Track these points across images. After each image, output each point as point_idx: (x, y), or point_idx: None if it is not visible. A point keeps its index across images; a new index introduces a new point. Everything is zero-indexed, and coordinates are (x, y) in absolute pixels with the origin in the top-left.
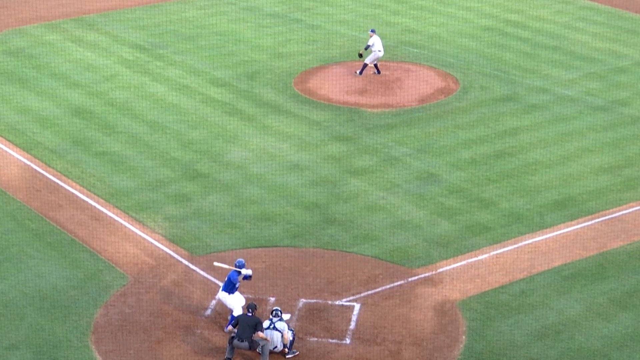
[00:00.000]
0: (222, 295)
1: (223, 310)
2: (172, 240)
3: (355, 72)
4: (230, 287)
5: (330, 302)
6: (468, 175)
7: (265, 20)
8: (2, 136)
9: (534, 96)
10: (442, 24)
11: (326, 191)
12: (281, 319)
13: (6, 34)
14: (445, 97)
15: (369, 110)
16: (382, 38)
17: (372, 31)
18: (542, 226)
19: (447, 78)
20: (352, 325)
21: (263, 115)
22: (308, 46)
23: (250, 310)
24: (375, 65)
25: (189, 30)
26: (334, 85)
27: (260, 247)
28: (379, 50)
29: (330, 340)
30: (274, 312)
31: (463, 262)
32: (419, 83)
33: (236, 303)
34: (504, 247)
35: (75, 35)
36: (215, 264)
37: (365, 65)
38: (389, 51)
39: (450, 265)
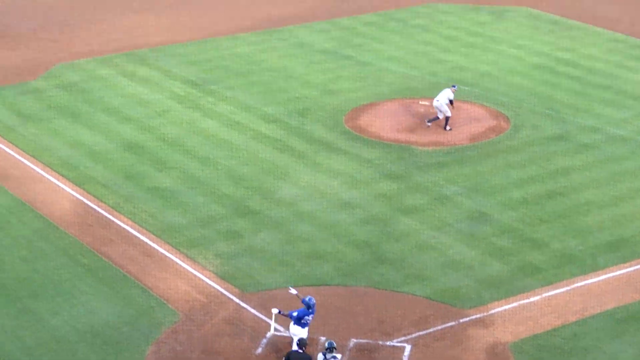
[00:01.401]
0: (295, 329)
1: (275, 347)
2: (223, 277)
3: (446, 128)
4: (301, 323)
5: (381, 342)
6: (519, 215)
7: (315, 57)
8: (55, 170)
9: (585, 135)
10: (493, 62)
11: (377, 229)
12: (335, 357)
13: (59, 68)
14: (496, 135)
15: (420, 148)
16: (432, 76)
17: (454, 87)
18: (594, 268)
19: (498, 116)
20: None
21: (314, 152)
22: (358, 83)
23: (300, 346)
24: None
25: (240, 66)
26: (384, 122)
27: (311, 285)
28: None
29: None
30: (328, 346)
31: (515, 304)
32: (470, 121)
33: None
34: (556, 288)
35: (127, 70)
36: (291, 290)
37: (448, 117)
38: (440, 88)
39: (502, 306)
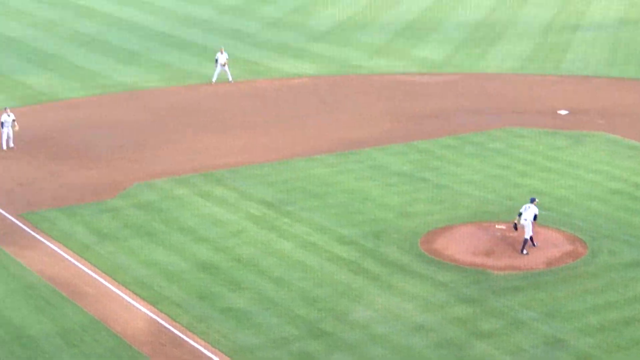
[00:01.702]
0: None
1: None
2: None
3: (523, 252)
4: None
5: None
6: (596, 341)
7: (392, 179)
8: (129, 289)
9: None
10: (571, 187)
11: (451, 354)
12: None
13: (137, 188)
14: (573, 260)
15: (496, 272)
16: (508, 199)
17: (535, 200)
18: None
19: (575, 241)
20: None
21: (388, 274)
22: (435, 206)
23: None
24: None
25: (317, 187)
26: (460, 245)
27: None
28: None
29: None
30: None
31: None
32: (547, 246)
33: None
34: None
35: (203, 190)
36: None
37: (528, 239)
38: (516, 212)
39: None
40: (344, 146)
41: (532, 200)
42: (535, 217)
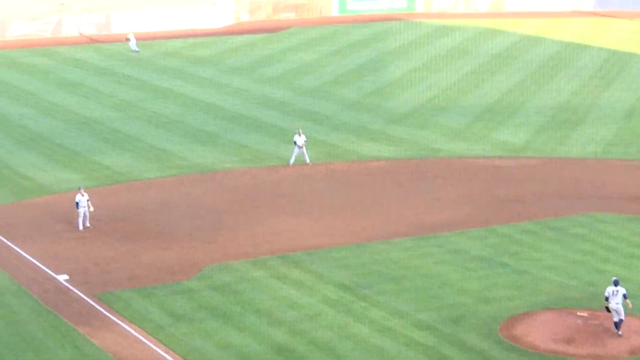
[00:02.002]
0: None
1: None
2: None
3: (618, 332)
4: None
5: None
6: None
7: (471, 264)
8: None
9: None
10: None
11: None
12: None
13: (212, 269)
14: None
15: None
16: (590, 286)
17: (617, 282)
18: None
19: None
20: None
21: None
22: (514, 291)
23: None
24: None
25: (394, 271)
26: (541, 332)
27: None
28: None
29: None
30: None
31: None
32: (630, 334)
33: None
34: None
35: (280, 273)
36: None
37: (622, 321)
38: (600, 301)
39: None
40: (422, 230)
41: (616, 283)
42: (625, 296)
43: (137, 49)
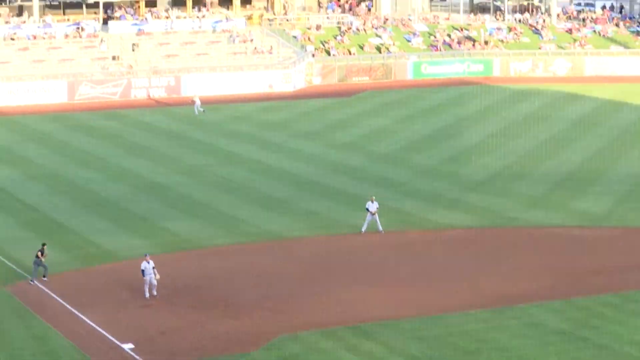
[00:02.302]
0: None
1: None
2: None
3: None
4: None
5: None
6: None
7: (549, 338)
8: None
9: None
10: None
11: None
12: None
13: (281, 340)
14: None
15: None
16: None
17: None
18: None
19: None
20: None
21: None
22: None
23: None
24: None
25: (469, 344)
26: None
27: None
28: None
29: None
30: None
31: None
32: None
33: None
34: None
35: (350, 344)
36: None
37: None
38: None
39: None
40: (499, 302)
41: None
42: None
43: (201, 109)
